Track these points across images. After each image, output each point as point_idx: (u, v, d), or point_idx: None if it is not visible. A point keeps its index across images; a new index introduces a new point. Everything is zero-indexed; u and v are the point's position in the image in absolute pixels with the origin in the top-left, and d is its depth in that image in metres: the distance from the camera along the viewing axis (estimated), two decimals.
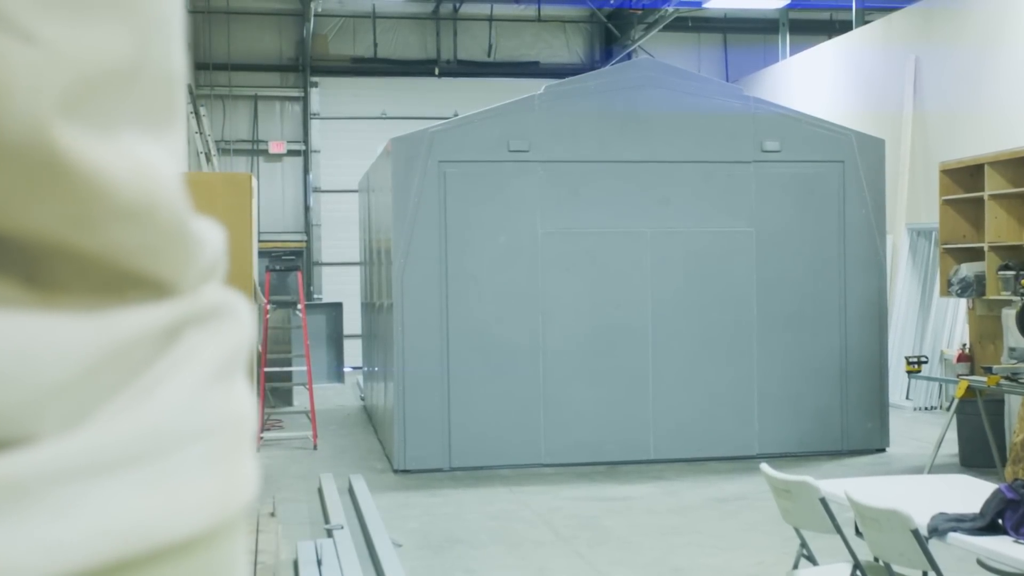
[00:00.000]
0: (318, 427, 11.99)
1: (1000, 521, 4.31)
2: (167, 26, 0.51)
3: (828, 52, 17.14)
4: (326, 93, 20.35)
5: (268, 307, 12.51)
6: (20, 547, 0.45)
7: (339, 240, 19.87)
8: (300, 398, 14.03)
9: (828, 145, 10.78)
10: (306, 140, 20.28)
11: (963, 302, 11.84)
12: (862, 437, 10.77)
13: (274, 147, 20.11)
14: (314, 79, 20.25)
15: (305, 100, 20.28)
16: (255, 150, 20.10)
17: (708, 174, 10.55)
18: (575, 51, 21.16)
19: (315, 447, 11.60)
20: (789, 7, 19.21)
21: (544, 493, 9.15)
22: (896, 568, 4.34)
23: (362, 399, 14.99)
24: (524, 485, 9.49)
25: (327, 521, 7.89)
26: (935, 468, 9.09)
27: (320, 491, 8.93)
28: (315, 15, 19.01)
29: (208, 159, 16.69)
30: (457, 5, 20.39)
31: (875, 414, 10.84)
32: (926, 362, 10.88)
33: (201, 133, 16.82)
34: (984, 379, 9.22)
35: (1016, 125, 12.09)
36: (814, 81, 17.27)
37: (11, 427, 0.45)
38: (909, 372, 10.62)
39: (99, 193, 0.47)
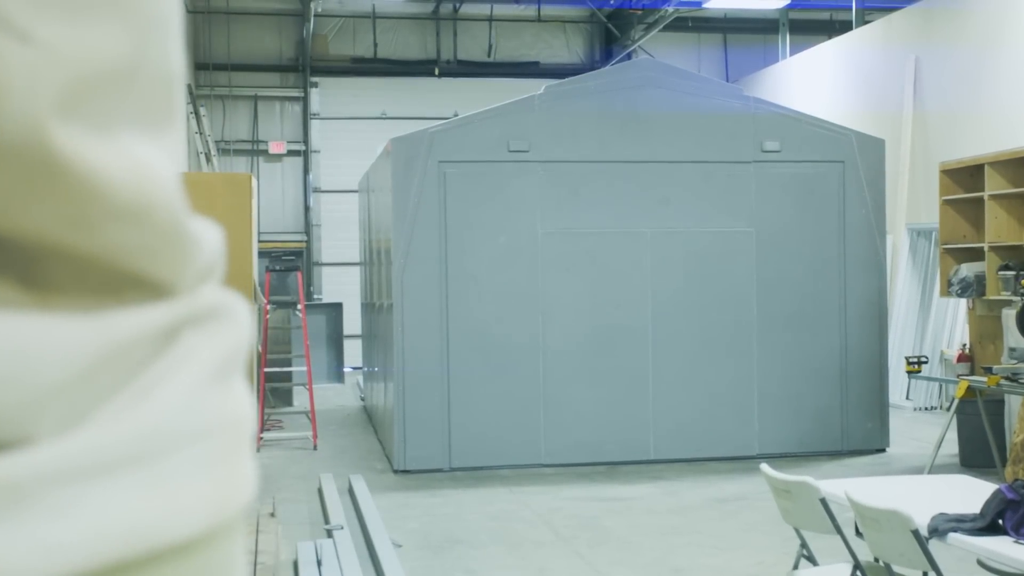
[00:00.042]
0: (318, 427, 11.99)
1: (1000, 521, 4.31)
2: (165, 26, 0.51)
3: (828, 52, 17.15)
4: (326, 93, 20.36)
5: (268, 307, 12.51)
6: (18, 549, 0.45)
7: (339, 240, 19.87)
8: (300, 398, 14.03)
9: (828, 145, 10.78)
10: (306, 140, 20.29)
11: (963, 302, 11.84)
12: (862, 437, 10.77)
13: (274, 147, 20.11)
14: (314, 79, 20.25)
15: (305, 100, 20.28)
16: (255, 150, 20.10)
17: (708, 174, 10.55)
18: (575, 51, 21.16)
19: (315, 447, 11.60)
20: (789, 7, 19.21)
21: (544, 493, 9.15)
22: (896, 568, 4.33)
23: (362, 399, 14.99)
24: (524, 485, 9.49)
25: (327, 521, 7.88)
26: (935, 468, 9.09)
27: (320, 491, 8.93)
28: (315, 15, 19.01)
29: (208, 159, 16.69)
30: (457, 5, 20.39)
31: (875, 414, 10.84)
32: (926, 362, 10.88)
33: (201, 133, 16.82)
34: (984, 379, 9.22)
35: (1016, 125, 12.09)
36: (814, 81, 17.27)
37: (9, 428, 0.45)
38: (909, 372, 10.62)
39: (96, 193, 0.47)
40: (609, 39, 20.90)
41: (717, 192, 10.56)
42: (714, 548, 7.37)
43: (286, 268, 13.60)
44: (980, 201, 10.64)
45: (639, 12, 19.38)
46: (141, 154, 0.49)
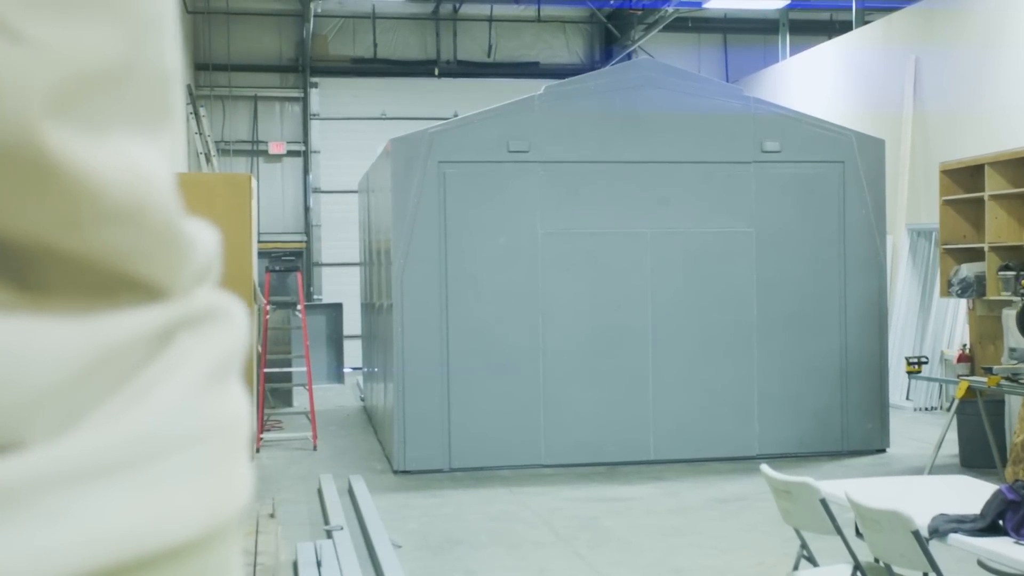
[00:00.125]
0: (318, 428, 11.98)
1: (1001, 522, 4.31)
2: (159, 26, 0.50)
3: (828, 52, 17.15)
4: (326, 93, 20.36)
5: (268, 308, 12.50)
6: (13, 553, 0.44)
7: (339, 241, 19.87)
8: (300, 399, 14.03)
9: (828, 145, 10.78)
10: (306, 140, 20.29)
11: (963, 302, 11.84)
12: (862, 438, 10.77)
13: (274, 148, 20.11)
14: (314, 79, 20.25)
15: (305, 100, 20.28)
16: (255, 151, 20.10)
17: (708, 174, 10.55)
18: (575, 51, 21.16)
19: (315, 448, 11.60)
20: (789, 7, 19.21)
21: (544, 494, 9.15)
22: (896, 569, 4.33)
23: (362, 400, 14.99)
24: (524, 486, 9.48)
25: (327, 522, 7.88)
26: (935, 469, 9.09)
27: (320, 492, 8.93)
28: (315, 15, 19.01)
29: (208, 160, 16.69)
30: (457, 5, 20.39)
31: (875, 414, 10.83)
32: (926, 362, 10.87)
33: (201, 134, 16.82)
34: (984, 380, 9.22)
35: (1016, 125, 12.09)
36: (814, 81, 17.28)
37: (2, 432, 0.45)
38: (909, 372, 10.62)
39: (89, 195, 0.46)
40: (609, 39, 20.90)
41: (717, 192, 10.56)
42: (714, 549, 7.37)
43: (286, 268, 13.60)
44: (980, 201, 10.64)
45: (639, 12, 19.38)
46: (135, 155, 0.49)
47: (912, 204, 14.31)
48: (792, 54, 19.19)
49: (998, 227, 10.44)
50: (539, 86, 10.69)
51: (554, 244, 10.27)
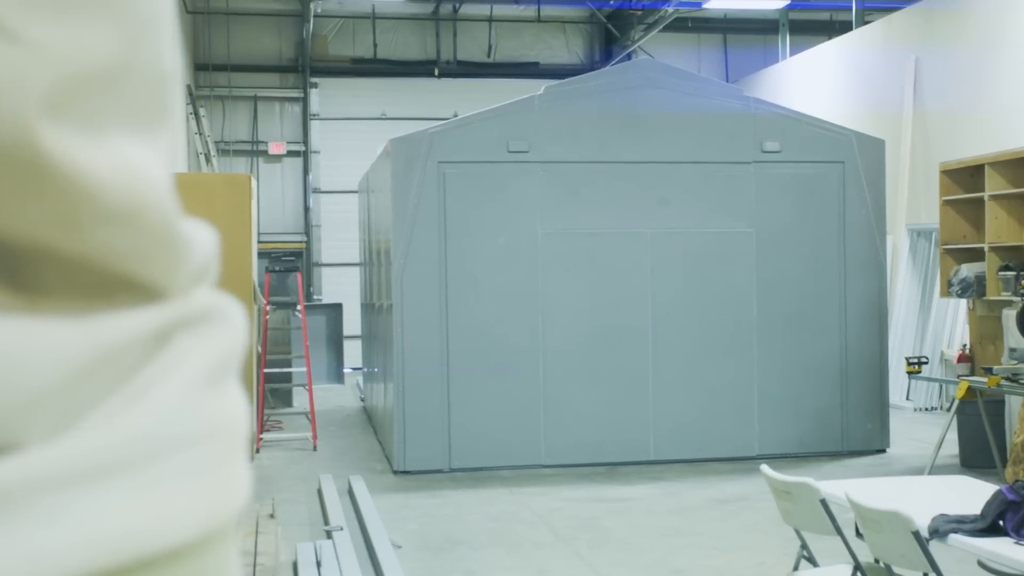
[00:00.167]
0: (318, 428, 11.98)
1: (1001, 522, 4.31)
2: (156, 26, 0.50)
3: (828, 52, 17.15)
4: (326, 94, 20.36)
5: (268, 308, 12.50)
6: (9, 556, 0.44)
7: (339, 241, 19.87)
8: (300, 399, 14.03)
9: (828, 145, 10.78)
10: (306, 141, 20.29)
11: (963, 303, 11.84)
12: (862, 438, 10.77)
13: (274, 148, 20.11)
14: (314, 80, 20.26)
15: (305, 101, 20.28)
16: (255, 151, 20.10)
17: (708, 174, 10.55)
18: (575, 52, 21.16)
19: (315, 448, 11.59)
20: (789, 7, 19.21)
21: (544, 494, 9.15)
22: (897, 569, 4.33)
23: (362, 400, 14.99)
24: (524, 486, 9.48)
25: (327, 522, 7.88)
26: (935, 469, 9.08)
27: (320, 492, 8.92)
28: (315, 16, 19.01)
29: (208, 160, 16.69)
30: (457, 5, 20.39)
31: (875, 415, 10.83)
32: (926, 363, 10.87)
33: (201, 134, 16.82)
34: (984, 380, 9.21)
35: (1016, 125, 12.09)
36: (814, 81, 17.27)
37: None
38: (909, 373, 10.62)
39: (86, 195, 0.46)
40: (609, 39, 20.90)
41: (717, 192, 10.56)
42: (714, 549, 7.37)
43: (286, 269, 13.60)
44: (980, 201, 10.65)
45: (639, 12, 19.38)
46: (132, 155, 0.49)
47: (912, 204, 14.31)
48: (792, 54, 19.19)
49: (998, 227, 10.44)
50: (539, 86, 10.69)
51: (554, 244, 10.27)
